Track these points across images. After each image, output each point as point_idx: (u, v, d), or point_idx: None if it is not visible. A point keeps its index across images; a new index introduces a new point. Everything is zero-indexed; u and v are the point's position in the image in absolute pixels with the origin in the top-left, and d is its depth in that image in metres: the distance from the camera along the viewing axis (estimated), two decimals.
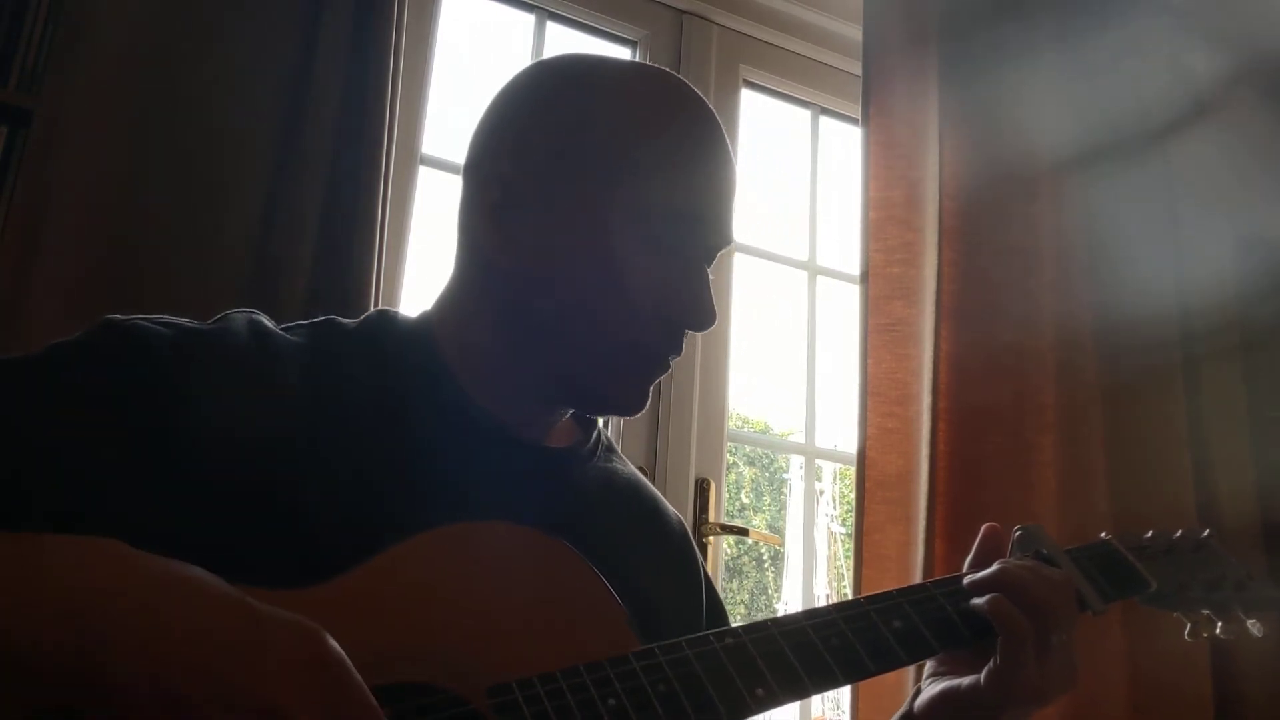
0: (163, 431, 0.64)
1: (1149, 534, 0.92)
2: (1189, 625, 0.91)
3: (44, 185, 1.38)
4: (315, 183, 1.47)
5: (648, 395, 0.79)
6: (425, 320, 0.82)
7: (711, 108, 0.82)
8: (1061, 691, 0.75)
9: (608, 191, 0.76)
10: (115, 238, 1.41)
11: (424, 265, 1.77)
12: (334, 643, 0.49)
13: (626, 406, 0.79)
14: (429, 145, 1.79)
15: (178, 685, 0.44)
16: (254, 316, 0.75)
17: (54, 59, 1.43)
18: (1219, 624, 0.90)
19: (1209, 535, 0.93)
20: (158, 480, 0.62)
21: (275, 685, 0.46)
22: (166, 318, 0.70)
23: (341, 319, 0.81)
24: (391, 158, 1.54)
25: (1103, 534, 0.90)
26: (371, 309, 1.43)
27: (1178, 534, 0.93)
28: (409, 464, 0.72)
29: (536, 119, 0.79)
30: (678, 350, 0.79)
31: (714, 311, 0.78)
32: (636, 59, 2.07)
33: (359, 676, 0.49)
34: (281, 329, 0.76)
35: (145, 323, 0.68)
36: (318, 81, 1.51)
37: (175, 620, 0.46)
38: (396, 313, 0.83)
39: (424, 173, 1.78)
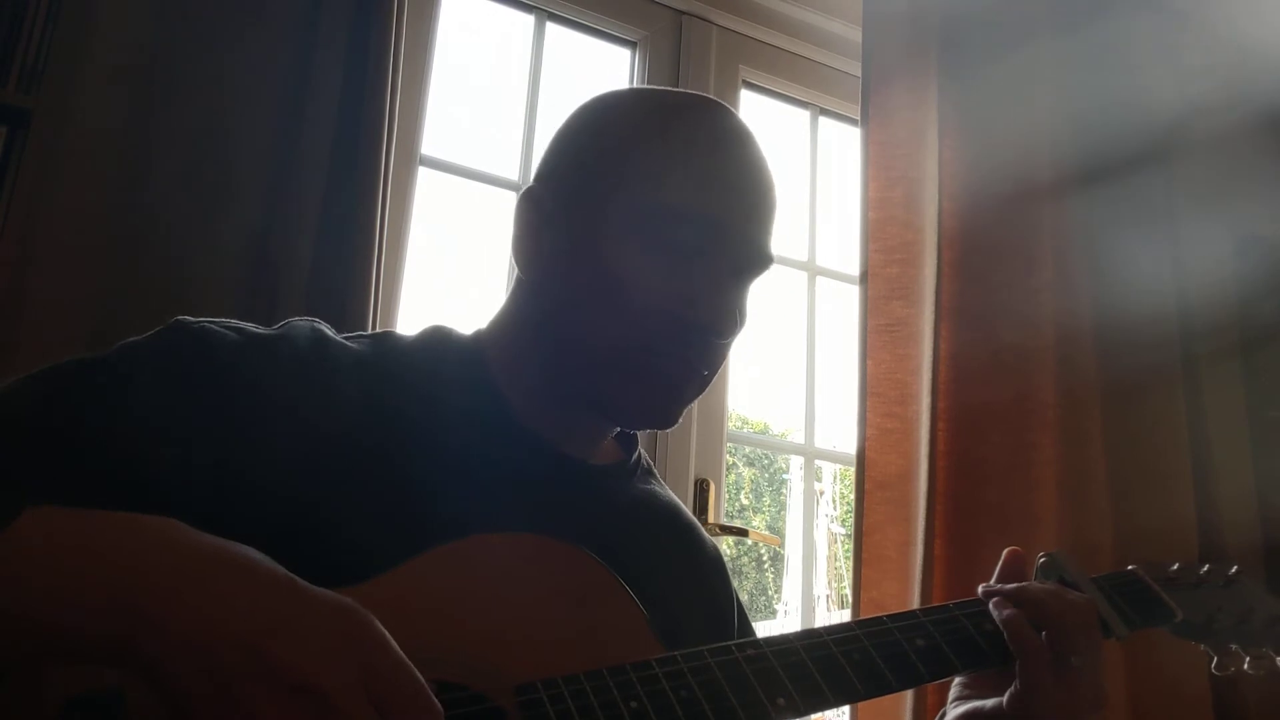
0: (226, 432, 0.66)
1: (1175, 566, 0.92)
2: (1215, 659, 0.91)
3: (44, 185, 1.38)
4: (315, 183, 1.48)
5: (671, 405, 0.79)
6: (478, 339, 0.85)
7: (745, 128, 0.82)
8: (1088, 715, 0.75)
9: (612, 193, 0.77)
10: (115, 238, 1.41)
11: (424, 265, 1.77)
12: (378, 624, 0.49)
13: (649, 417, 0.79)
14: (428, 145, 1.80)
15: (221, 660, 0.45)
16: (316, 324, 0.77)
17: (54, 59, 1.43)
18: (1247, 659, 0.90)
19: (1239, 571, 0.93)
20: (214, 480, 0.65)
21: (317, 663, 0.46)
22: (234, 322, 0.73)
23: (399, 333, 0.84)
24: (391, 158, 1.54)
25: (1130, 566, 0.90)
26: (371, 309, 1.45)
27: (1205, 568, 0.92)
28: (453, 476, 0.73)
29: (566, 141, 0.84)
30: (701, 359, 0.78)
31: (730, 318, 0.77)
32: (636, 60, 2.08)
33: (402, 654, 0.49)
34: (342, 338, 0.78)
35: (214, 326, 0.71)
36: (317, 81, 1.52)
37: (222, 596, 0.47)
38: (452, 330, 0.85)
39: (423, 173, 1.78)
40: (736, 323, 0.78)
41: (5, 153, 1.40)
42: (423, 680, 0.49)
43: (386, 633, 0.49)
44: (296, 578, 0.50)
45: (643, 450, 0.91)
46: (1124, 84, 1.99)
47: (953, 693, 0.83)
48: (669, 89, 0.88)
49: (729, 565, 0.95)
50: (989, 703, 0.77)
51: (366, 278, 1.46)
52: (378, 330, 0.83)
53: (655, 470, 0.93)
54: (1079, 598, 0.79)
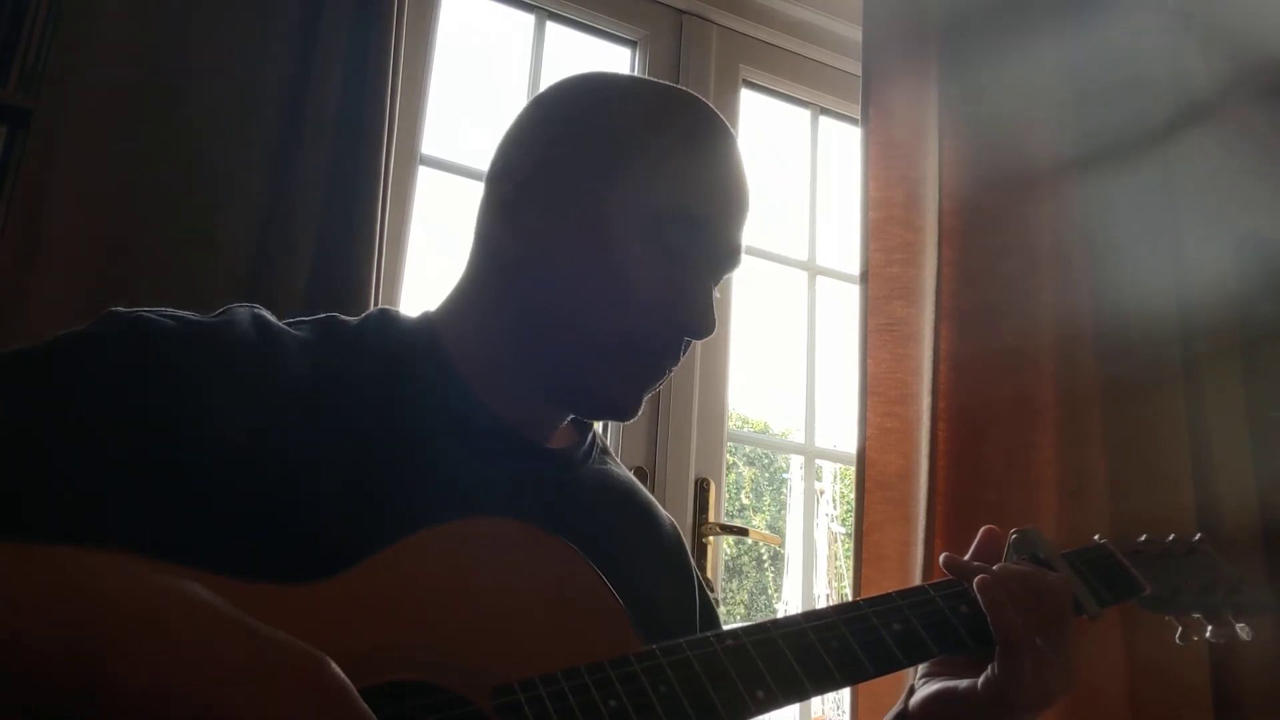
0: (166, 424, 0.64)
1: (1143, 538, 0.92)
2: (1180, 629, 0.92)
3: (44, 185, 1.38)
4: (315, 183, 1.48)
5: (641, 400, 0.80)
6: (429, 320, 0.83)
7: (729, 127, 0.83)
8: (1059, 695, 0.75)
9: (611, 185, 0.77)
10: (115, 238, 1.41)
11: (424, 265, 1.77)
12: (337, 670, 0.48)
13: (618, 408, 0.79)
14: (429, 145, 1.80)
15: (179, 710, 0.44)
16: (256, 310, 0.75)
17: (54, 59, 1.43)
18: (1209, 627, 0.91)
19: (1201, 539, 0.94)
20: (162, 473, 0.63)
21: (275, 716, 0.45)
22: (170, 310, 0.71)
23: (343, 316, 0.81)
24: (391, 158, 1.54)
25: (1096, 537, 0.90)
26: (372, 308, 1.45)
27: (1170, 538, 0.93)
28: (410, 459, 0.72)
29: (550, 118, 0.82)
30: (674, 357, 0.79)
31: (712, 320, 0.78)
32: (636, 59, 2.08)
33: (364, 705, 0.48)
34: (285, 323, 0.76)
35: (150, 314, 0.69)
36: (317, 81, 1.52)
37: (179, 644, 0.46)
38: (398, 312, 0.84)
39: (424, 173, 1.78)
40: (714, 324, 0.79)
41: (5, 153, 1.40)
42: None
43: (349, 682, 0.48)
44: (251, 620, 0.48)
45: (597, 430, 0.91)
46: (1125, 83, 1.99)
47: (922, 667, 0.82)
48: (657, 80, 0.87)
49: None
50: (962, 683, 0.76)
51: (366, 277, 1.46)
52: (321, 315, 0.81)
53: (609, 449, 0.93)
54: (1055, 580, 0.79)
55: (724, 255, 0.80)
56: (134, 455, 0.62)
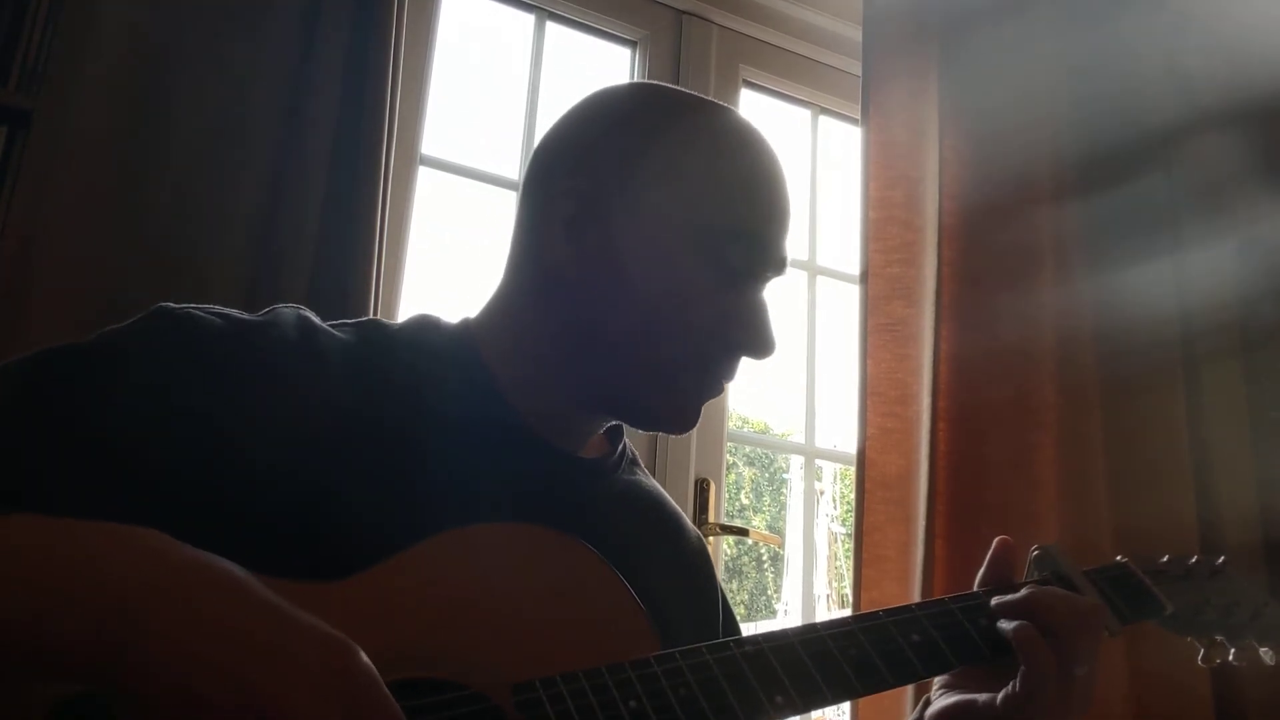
0: (208, 420, 0.65)
1: (1165, 558, 0.92)
2: (1202, 650, 0.91)
3: (44, 185, 1.38)
4: (315, 183, 1.48)
5: (698, 415, 0.81)
6: (468, 327, 0.83)
7: (770, 142, 0.84)
8: (1079, 714, 0.75)
9: (680, 208, 0.77)
10: (115, 238, 1.41)
11: (424, 265, 1.77)
12: (364, 656, 0.48)
13: (678, 424, 0.80)
14: (429, 145, 1.80)
15: (203, 685, 0.45)
16: (301, 311, 0.76)
17: (54, 59, 1.43)
18: (1232, 650, 0.90)
19: (1225, 562, 0.93)
20: (200, 468, 0.64)
21: (299, 696, 0.45)
22: (218, 308, 0.72)
23: (385, 321, 0.82)
24: (391, 158, 1.54)
25: (1119, 557, 0.90)
26: (372, 309, 1.45)
27: (1194, 560, 0.92)
28: (440, 464, 0.73)
29: (614, 136, 0.81)
30: (732, 374, 0.80)
31: (774, 341, 0.79)
32: (636, 59, 2.08)
33: (387, 691, 0.48)
34: (329, 325, 0.77)
35: (198, 312, 0.70)
36: (317, 81, 1.52)
37: (208, 618, 0.47)
38: (439, 318, 0.84)
39: (424, 173, 1.78)
40: (775, 343, 0.80)
41: (5, 153, 1.40)
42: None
43: (373, 666, 0.48)
44: (282, 601, 0.49)
45: (628, 441, 0.91)
46: (1125, 84, 1.99)
47: (938, 680, 0.82)
48: (699, 95, 0.87)
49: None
50: (980, 698, 0.76)
51: (367, 277, 1.46)
52: (364, 319, 0.82)
53: (639, 460, 0.93)
54: (1085, 604, 0.78)
55: (774, 267, 0.81)
56: (171, 449, 0.63)
